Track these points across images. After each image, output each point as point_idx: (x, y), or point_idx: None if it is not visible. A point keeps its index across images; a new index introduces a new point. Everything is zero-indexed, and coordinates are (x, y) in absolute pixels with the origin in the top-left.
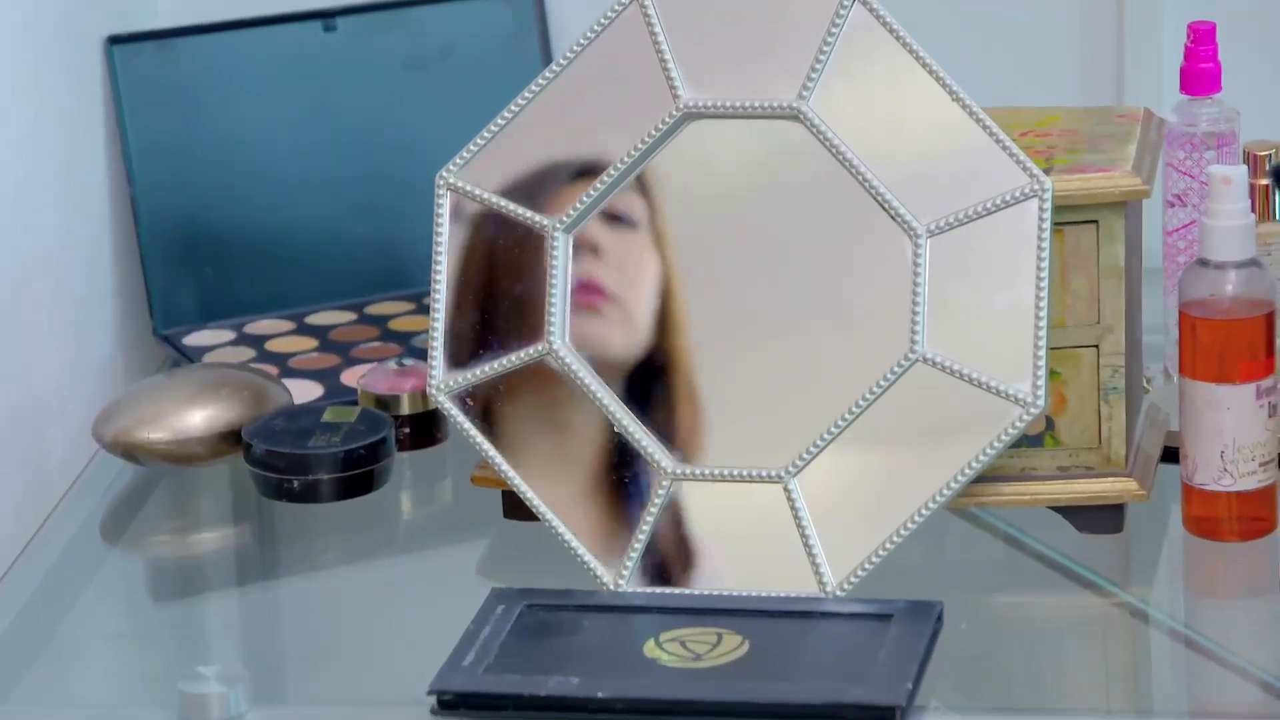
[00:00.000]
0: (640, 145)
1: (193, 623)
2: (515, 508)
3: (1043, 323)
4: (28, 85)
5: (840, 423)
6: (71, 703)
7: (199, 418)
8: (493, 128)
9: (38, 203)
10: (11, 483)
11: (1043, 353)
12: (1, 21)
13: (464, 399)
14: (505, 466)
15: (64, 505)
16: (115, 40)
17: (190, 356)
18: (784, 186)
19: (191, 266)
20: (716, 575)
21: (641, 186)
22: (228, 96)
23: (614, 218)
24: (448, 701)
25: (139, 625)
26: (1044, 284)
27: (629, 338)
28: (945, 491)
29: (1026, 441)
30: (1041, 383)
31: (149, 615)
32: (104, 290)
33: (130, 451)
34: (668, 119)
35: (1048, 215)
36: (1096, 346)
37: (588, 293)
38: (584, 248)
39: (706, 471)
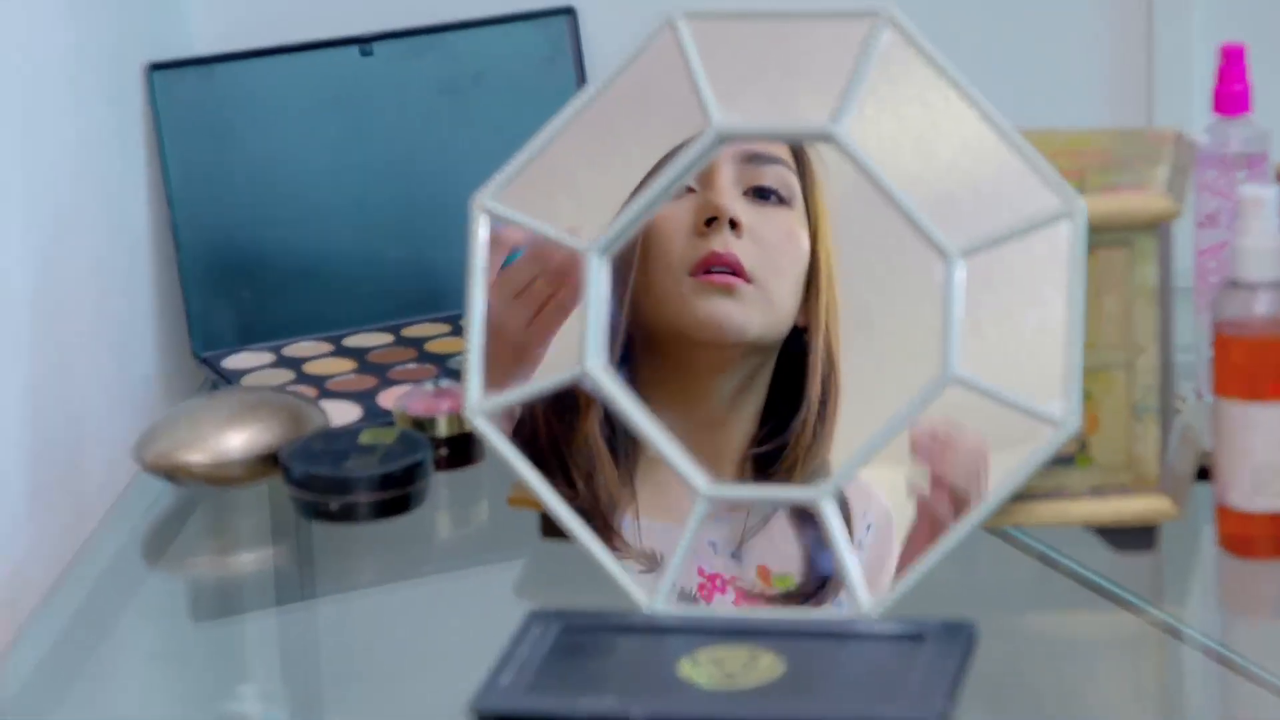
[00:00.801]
0: (673, 168)
1: (232, 643)
2: (551, 528)
3: (1075, 343)
4: (70, 111)
5: (874, 443)
6: None
7: (238, 440)
8: (528, 151)
9: (79, 227)
10: (53, 503)
11: (1075, 373)
12: (45, 49)
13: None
14: (541, 487)
15: (104, 526)
16: (156, 67)
17: (229, 379)
18: None
19: (230, 289)
20: None
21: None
22: (266, 121)
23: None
24: None
25: (179, 645)
26: (1076, 304)
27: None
28: (979, 512)
29: (1059, 461)
30: (1074, 403)
31: (189, 635)
32: (144, 313)
33: (170, 473)
34: (701, 141)
35: (1080, 236)
36: (1129, 366)
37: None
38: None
39: (741, 492)
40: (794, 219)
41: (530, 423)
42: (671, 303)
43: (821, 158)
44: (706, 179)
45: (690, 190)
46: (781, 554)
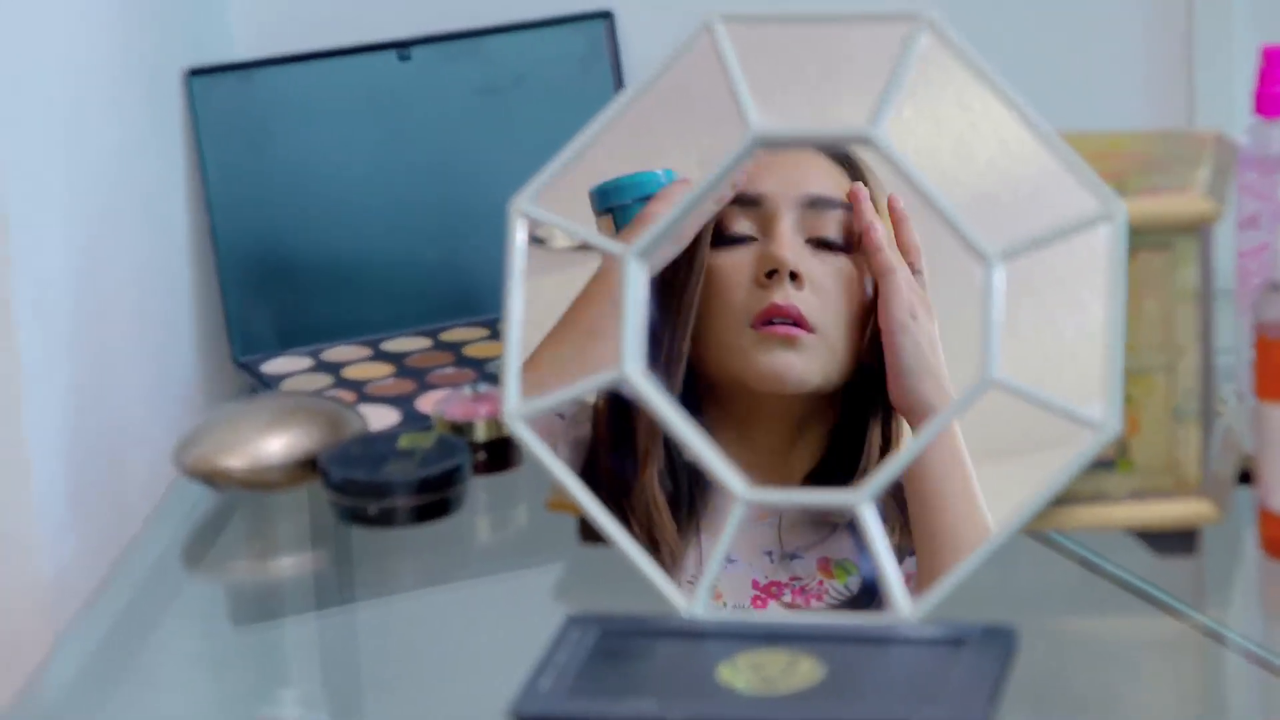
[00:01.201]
0: (711, 171)
1: (271, 647)
2: (590, 533)
3: (1116, 346)
4: (110, 116)
5: (914, 446)
6: None
7: (277, 445)
8: (566, 154)
9: (120, 233)
10: (95, 507)
11: (1116, 376)
12: (86, 55)
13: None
14: (579, 492)
15: (145, 531)
16: (195, 73)
17: (268, 383)
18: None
19: (269, 294)
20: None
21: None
22: (305, 126)
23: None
24: None
25: (219, 649)
26: (1117, 307)
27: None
28: (1020, 515)
29: (1100, 465)
30: (1115, 406)
31: (228, 640)
32: (183, 318)
33: (210, 478)
34: (739, 145)
35: (1121, 238)
36: (1170, 369)
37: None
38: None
39: (780, 496)
40: (855, 263)
41: (591, 474)
42: (733, 354)
43: (881, 187)
44: (767, 228)
45: (751, 239)
46: (840, 545)
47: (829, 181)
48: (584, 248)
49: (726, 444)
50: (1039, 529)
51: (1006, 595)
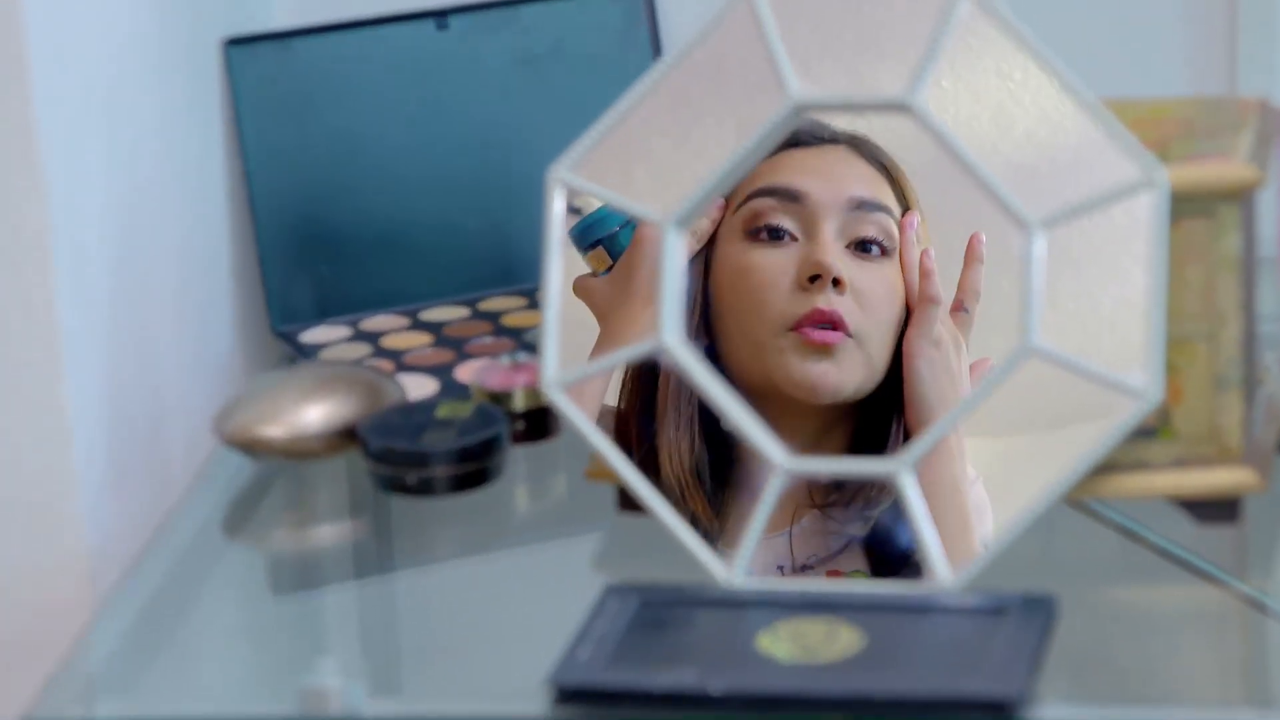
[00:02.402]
0: (752, 138)
1: (311, 616)
2: (628, 502)
3: (1157, 314)
4: (148, 87)
5: (953, 415)
6: (194, 695)
7: (316, 414)
8: (604, 123)
9: (158, 203)
10: (135, 477)
11: (1158, 344)
12: (123, 26)
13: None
14: (618, 461)
15: (185, 500)
16: (233, 43)
17: (307, 353)
18: None
19: (308, 264)
20: None
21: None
22: (343, 96)
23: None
24: (567, 694)
25: (258, 618)
26: (1158, 275)
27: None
28: (1060, 484)
29: (1141, 433)
30: (1156, 374)
31: (268, 608)
32: (223, 288)
33: (249, 447)
34: (777, 112)
35: (1163, 206)
36: (1212, 337)
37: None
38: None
39: (820, 464)
40: (893, 270)
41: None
42: (768, 356)
43: (915, 193)
44: (810, 229)
45: (792, 238)
46: (851, 559)
47: (868, 183)
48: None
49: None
50: (1080, 498)
51: (1047, 564)
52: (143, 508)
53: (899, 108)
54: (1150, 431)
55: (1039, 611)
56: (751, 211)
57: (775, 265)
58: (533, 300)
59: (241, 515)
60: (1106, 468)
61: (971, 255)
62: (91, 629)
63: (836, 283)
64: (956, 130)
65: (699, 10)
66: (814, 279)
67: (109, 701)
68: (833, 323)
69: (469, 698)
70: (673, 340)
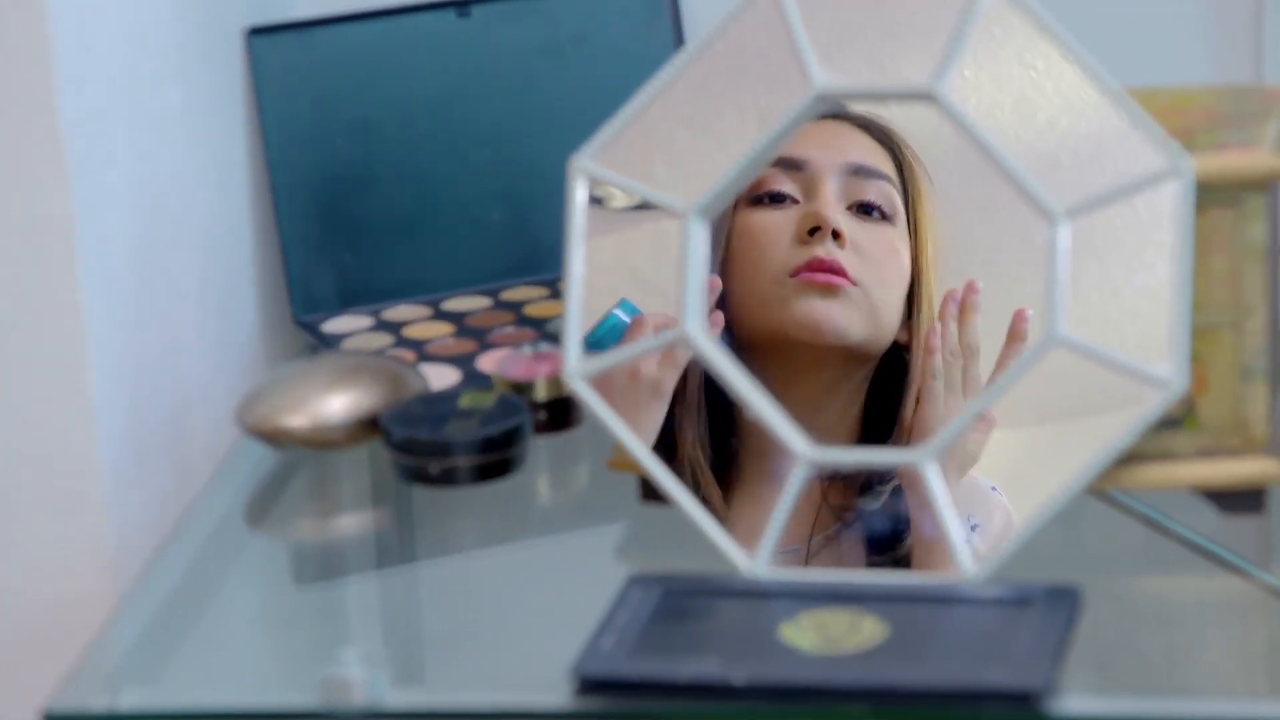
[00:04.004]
0: (774, 128)
1: (333, 605)
2: (650, 492)
3: (1182, 303)
4: (171, 78)
5: (977, 406)
6: (216, 686)
7: (338, 404)
8: (627, 113)
9: (181, 193)
10: (158, 467)
11: (1183, 334)
12: (144, 16)
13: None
14: (640, 451)
15: (208, 490)
16: (255, 32)
17: (329, 343)
18: None
19: (330, 253)
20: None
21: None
22: (365, 85)
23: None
24: (589, 684)
25: (281, 608)
26: (1184, 264)
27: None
28: (1084, 474)
29: (1166, 423)
30: (1182, 364)
31: (291, 598)
32: (245, 278)
33: (271, 437)
34: (800, 102)
35: (1188, 195)
36: (1237, 327)
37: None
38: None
39: (841, 455)
40: (896, 235)
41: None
42: (772, 305)
43: (925, 171)
44: (810, 191)
45: (794, 201)
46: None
47: (869, 152)
48: (643, 206)
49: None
50: (1104, 488)
51: (1071, 555)
52: (165, 498)
53: (923, 97)
54: (1175, 421)
55: (1063, 602)
56: (754, 181)
57: (777, 223)
58: (555, 290)
59: (264, 505)
60: (1131, 458)
61: (967, 305)
62: (114, 619)
63: (836, 235)
64: (979, 119)
65: (721, 0)
66: (814, 231)
67: (131, 692)
68: (834, 269)
69: (491, 688)
70: (695, 330)
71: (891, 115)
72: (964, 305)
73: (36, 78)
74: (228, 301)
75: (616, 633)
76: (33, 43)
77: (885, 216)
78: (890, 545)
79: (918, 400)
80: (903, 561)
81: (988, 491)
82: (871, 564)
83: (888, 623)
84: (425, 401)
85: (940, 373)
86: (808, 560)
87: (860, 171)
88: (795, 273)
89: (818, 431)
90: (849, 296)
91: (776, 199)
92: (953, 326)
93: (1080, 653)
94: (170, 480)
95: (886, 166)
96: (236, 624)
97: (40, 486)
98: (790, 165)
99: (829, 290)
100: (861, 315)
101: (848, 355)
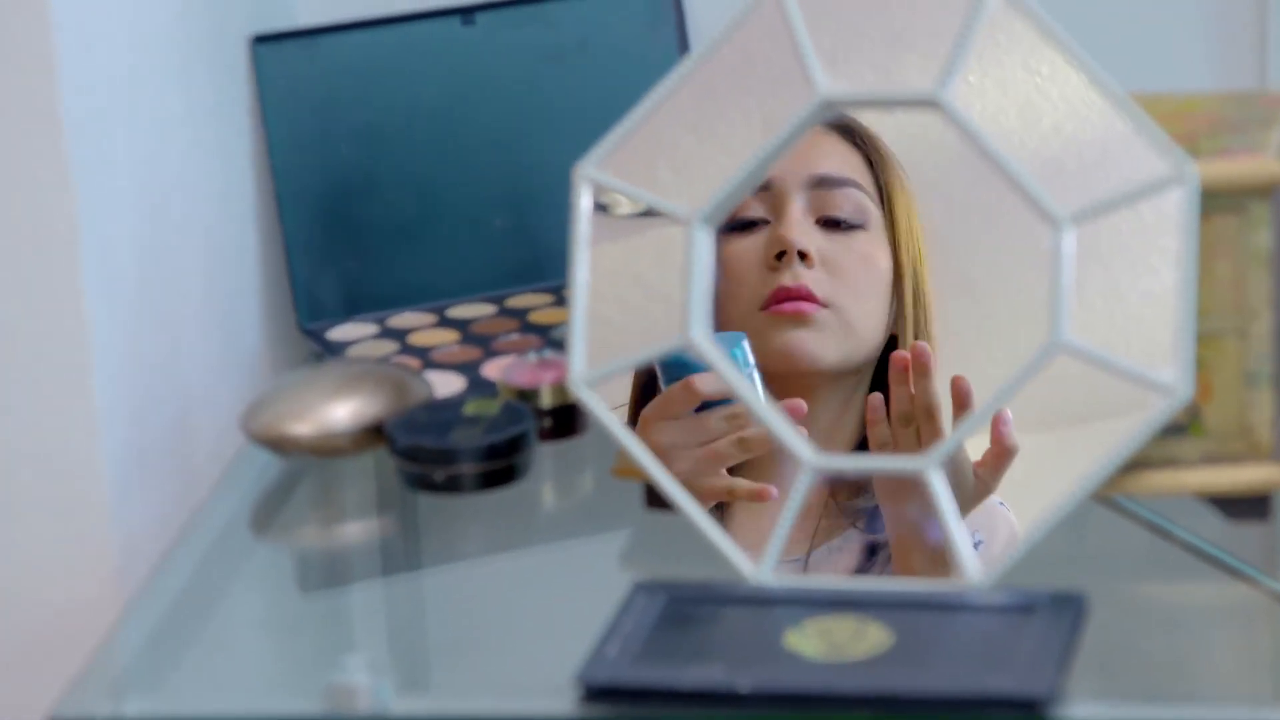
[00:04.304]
0: (778, 134)
1: (339, 613)
2: (655, 499)
3: (1187, 309)
4: (175, 85)
5: (981, 412)
6: (221, 692)
7: (343, 411)
8: (631, 120)
9: (185, 201)
10: (162, 474)
11: (1187, 340)
12: (149, 22)
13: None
14: (644, 458)
15: (212, 497)
16: (260, 40)
17: (334, 350)
18: (918, 176)
19: (335, 261)
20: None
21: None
22: (369, 92)
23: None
24: (595, 692)
25: (286, 615)
26: (1188, 271)
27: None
28: (1089, 481)
29: (1171, 430)
30: (1186, 370)
31: (296, 605)
32: (250, 285)
33: (276, 444)
34: (805, 108)
35: (1192, 201)
36: (1242, 333)
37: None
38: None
39: (847, 462)
40: (869, 240)
41: None
42: (750, 338)
43: (898, 166)
44: (777, 209)
45: (765, 222)
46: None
47: (839, 160)
48: (648, 213)
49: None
50: (1109, 494)
51: (1076, 561)
52: (170, 505)
53: (928, 103)
54: (1180, 428)
55: (1068, 609)
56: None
57: (746, 251)
58: (560, 297)
59: (269, 512)
60: (1136, 464)
61: (921, 365)
62: (119, 626)
63: (803, 256)
64: (983, 125)
65: (726, 6)
66: (780, 255)
67: (136, 699)
68: (801, 296)
69: (497, 695)
70: (699, 336)
71: (890, 119)
72: (916, 369)
73: (40, 83)
74: (232, 309)
75: (621, 640)
76: (36, 49)
77: (856, 225)
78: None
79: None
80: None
81: (994, 506)
82: (863, 570)
83: (893, 629)
84: (430, 409)
85: (886, 442)
86: (807, 571)
87: (826, 182)
88: (765, 306)
89: (817, 438)
90: (820, 321)
91: (747, 226)
92: (900, 391)
93: (1085, 659)
94: (175, 487)
95: (855, 170)
96: (241, 630)
97: (44, 493)
98: (757, 188)
99: (799, 319)
100: (836, 337)
101: (833, 373)
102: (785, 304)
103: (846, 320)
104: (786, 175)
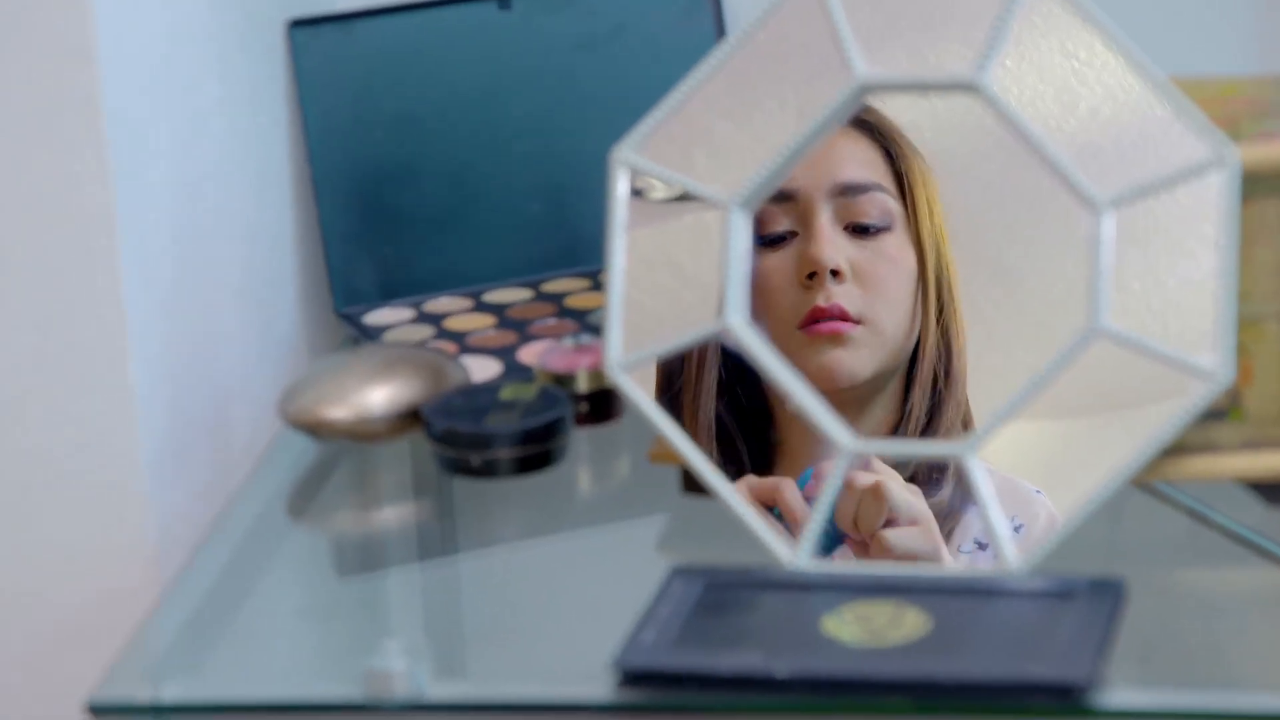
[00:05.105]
0: (814, 120)
1: (375, 598)
2: (691, 484)
3: (1228, 294)
4: (213, 70)
5: (1019, 398)
6: (258, 678)
7: (379, 396)
8: (668, 104)
9: (223, 185)
10: (199, 459)
11: (1228, 325)
12: (186, 9)
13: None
14: (681, 443)
15: (249, 482)
16: (297, 24)
17: (370, 335)
18: (954, 161)
19: (371, 245)
20: None
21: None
22: (405, 77)
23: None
24: (631, 677)
25: (322, 600)
26: (1229, 255)
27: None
28: (1128, 467)
29: (1211, 415)
30: (1227, 355)
31: (332, 591)
32: (286, 270)
33: (313, 429)
34: (842, 93)
35: (1234, 185)
36: None
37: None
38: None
39: (886, 446)
40: (896, 242)
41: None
42: (785, 356)
43: (919, 157)
44: (805, 221)
45: (792, 235)
46: None
47: (861, 162)
48: (684, 198)
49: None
50: (1149, 480)
51: (1115, 547)
52: (207, 490)
53: (966, 88)
54: (1220, 413)
55: (1107, 595)
56: (755, 219)
57: (778, 268)
58: (596, 282)
59: (305, 497)
60: (1175, 450)
61: (872, 491)
62: (156, 612)
63: (835, 273)
64: (1021, 110)
65: None
66: (812, 275)
67: (173, 685)
68: (836, 316)
69: (533, 680)
70: (737, 321)
71: (920, 104)
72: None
73: (78, 71)
74: (269, 294)
75: (658, 625)
76: (74, 36)
77: (883, 228)
78: None
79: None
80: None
81: (1032, 494)
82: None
83: (930, 615)
84: (466, 393)
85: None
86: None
87: (850, 190)
88: (801, 325)
89: (859, 428)
90: (856, 339)
91: (776, 241)
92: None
93: (1124, 645)
94: (211, 472)
95: (875, 168)
96: (278, 616)
97: (82, 479)
98: (781, 198)
99: (835, 339)
100: (871, 350)
101: (872, 381)
102: (822, 325)
103: (880, 331)
104: (810, 184)
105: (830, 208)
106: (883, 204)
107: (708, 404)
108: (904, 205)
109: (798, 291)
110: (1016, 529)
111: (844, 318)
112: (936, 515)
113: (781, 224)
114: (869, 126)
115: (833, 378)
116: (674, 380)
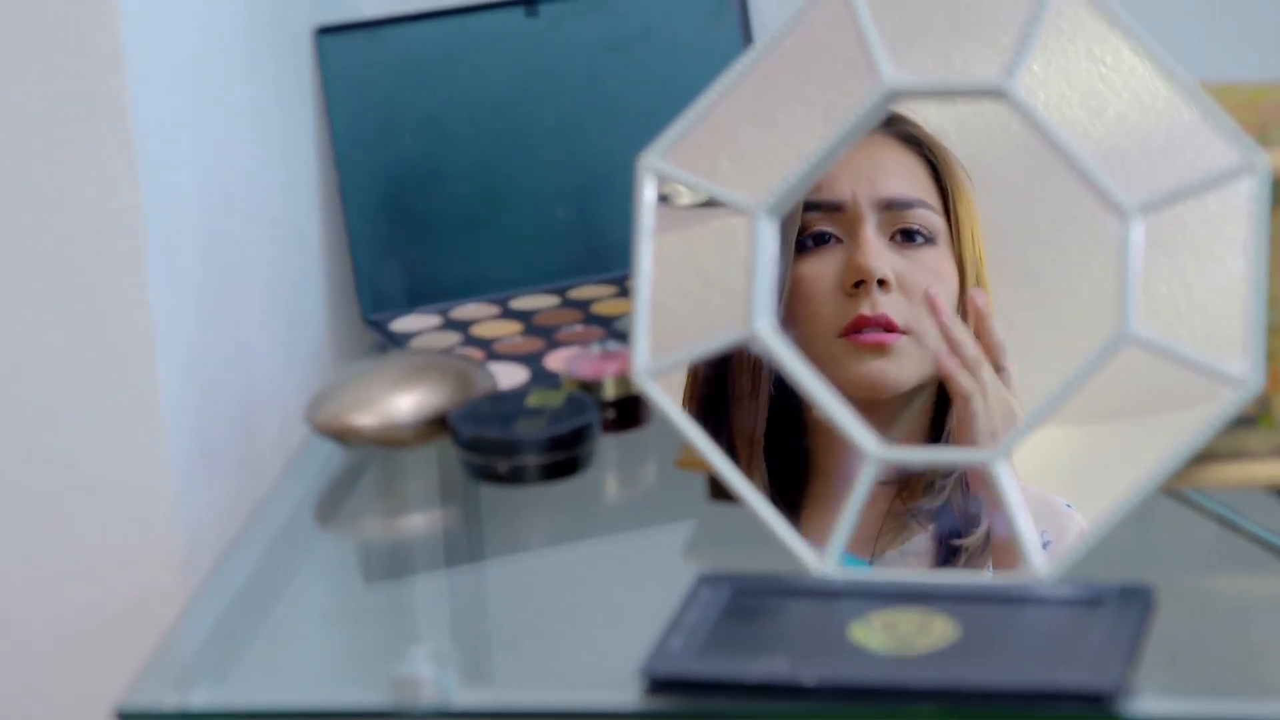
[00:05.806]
0: (842, 125)
1: (402, 605)
2: (719, 490)
3: (1257, 300)
4: (240, 76)
5: (1048, 405)
6: (286, 684)
7: (406, 402)
8: (695, 110)
9: (250, 191)
10: (227, 465)
11: (1258, 331)
12: (214, 15)
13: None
14: (709, 450)
15: (277, 488)
16: (324, 31)
17: (397, 341)
18: (981, 167)
19: (398, 252)
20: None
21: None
22: (432, 83)
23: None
24: (659, 684)
25: (350, 606)
26: (1258, 261)
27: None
28: (1157, 473)
29: (1241, 422)
30: (1256, 361)
31: (360, 597)
32: (314, 276)
33: (340, 435)
34: (869, 98)
35: (1263, 191)
36: None
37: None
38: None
39: (912, 454)
40: (938, 255)
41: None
42: (825, 363)
43: (964, 172)
44: (851, 230)
45: (836, 239)
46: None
47: (905, 176)
48: (711, 204)
49: (828, 446)
50: (1177, 487)
51: (1144, 555)
52: (234, 496)
53: (993, 93)
54: (1249, 420)
55: (1136, 602)
56: (798, 223)
57: (822, 273)
58: (623, 288)
59: (333, 504)
60: (1204, 456)
61: (978, 313)
62: (184, 618)
63: (882, 283)
64: (1048, 115)
65: None
66: (858, 284)
67: (201, 690)
68: (882, 325)
69: (560, 687)
70: (764, 328)
71: (949, 110)
72: (973, 315)
73: (106, 76)
74: (296, 300)
75: (685, 632)
76: (103, 41)
77: (928, 240)
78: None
79: (961, 423)
80: (971, 558)
81: (1061, 508)
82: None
83: (958, 623)
84: (493, 400)
85: (970, 390)
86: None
87: (896, 204)
88: (844, 333)
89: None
90: (900, 349)
91: (820, 240)
92: (964, 336)
93: (1153, 653)
94: (239, 478)
95: (921, 183)
96: (306, 622)
97: (110, 484)
98: (830, 208)
99: (879, 349)
100: (913, 360)
101: (910, 392)
102: (866, 334)
103: (922, 341)
104: (858, 196)
105: (876, 218)
106: (927, 220)
107: (761, 417)
108: (947, 222)
109: (840, 299)
110: (1045, 544)
111: (890, 328)
112: (961, 522)
113: (825, 227)
114: (916, 141)
115: (876, 387)
116: (709, 387)
